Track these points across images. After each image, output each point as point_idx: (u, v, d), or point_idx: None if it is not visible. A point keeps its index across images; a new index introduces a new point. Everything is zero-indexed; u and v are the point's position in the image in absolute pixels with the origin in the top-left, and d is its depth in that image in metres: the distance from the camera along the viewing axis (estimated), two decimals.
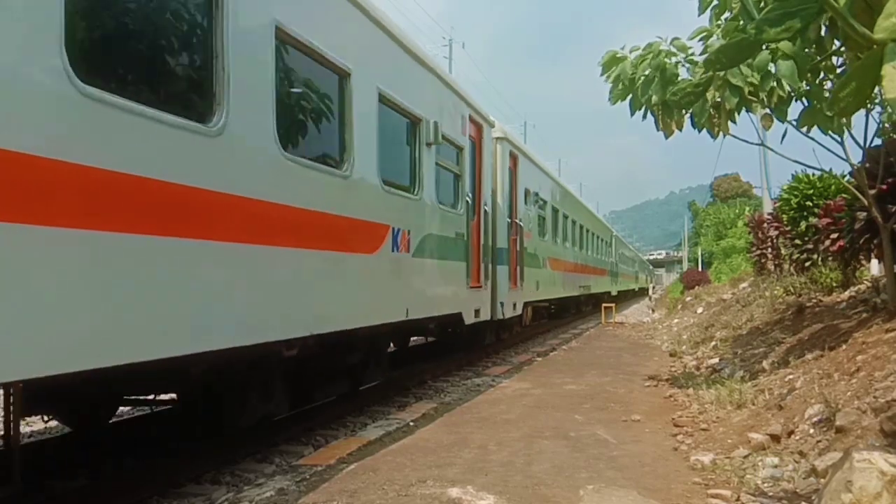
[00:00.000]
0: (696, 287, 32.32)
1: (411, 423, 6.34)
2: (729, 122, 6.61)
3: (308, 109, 5.66)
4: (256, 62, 4.62)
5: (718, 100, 6.04)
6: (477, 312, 9.79)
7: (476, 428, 5.92)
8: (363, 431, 6.22)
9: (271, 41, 4.75)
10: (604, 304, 23.24)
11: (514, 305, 11.97)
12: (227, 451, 5.60)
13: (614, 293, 31.08)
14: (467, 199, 9.34)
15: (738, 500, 3.74)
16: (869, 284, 8.52)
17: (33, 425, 6.81)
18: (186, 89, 4.19)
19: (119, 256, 3.40)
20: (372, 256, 6.43)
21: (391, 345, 9.24)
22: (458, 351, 11.01)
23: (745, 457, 4.39)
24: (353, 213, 6.02)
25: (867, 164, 6.97)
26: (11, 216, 2.84)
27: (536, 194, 14.30)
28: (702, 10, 5.84)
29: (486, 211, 10.31)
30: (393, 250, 6.85)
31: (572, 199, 20.66)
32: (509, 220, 11.81)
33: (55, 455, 5.43)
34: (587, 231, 22.92)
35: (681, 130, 6.89)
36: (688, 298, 27.09)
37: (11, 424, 4.27)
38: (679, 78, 6.40)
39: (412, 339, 11.56)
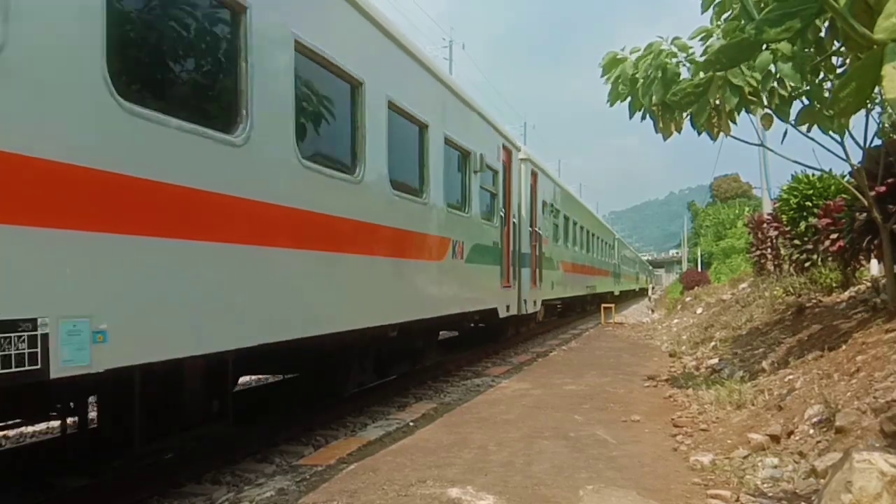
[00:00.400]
0: (696, 287, 32.35)
1: (411, 424, 6.34)
2: (729, 123, 6.61)
3: (402, 156, 7.23)
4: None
5: (718, 102, 6.05)
6: (507, 308, 11.44)
7: (476, 428, 5.92)
8: (363, 431, 6.22)
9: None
10: (603, 305, 23.24)
11: (535, 303, 13.65)
12: (227, 451, 5.61)
13: (617, 293, 32.65)
14: (501, 213, 11.17)
15: (737, 500, 3.74)
16: (869, 285, 8.52)
17: (35, 425, 6.80)
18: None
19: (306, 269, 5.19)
20: (440, 263, 8.25)
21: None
22: (482, 343, 12.58)
23: (745, 457, 4.39)
24: (430, 231, 7.93)
25: (867, 165, 6.97)
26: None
27: (552, 205, 16.18)
28: (704, 9, 5.85)
29: (514, 223, 12.06)
30: (452, 258, 8.67)
31: (580, 207, 22.47)
32: (530, 229, 13.51)
33: (55, 455, 5.42)
34: (593, 235, 24.56)
35: (679, 132, 6.90)
36: (687, 299, 27.10)
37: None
38: (680, 78, 6.40)
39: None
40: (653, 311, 30.95)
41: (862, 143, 6.89)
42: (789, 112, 6.30)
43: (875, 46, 2.10)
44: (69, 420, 4.88)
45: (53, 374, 3.03)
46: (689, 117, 6.64)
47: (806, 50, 5.13)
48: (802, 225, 12.45)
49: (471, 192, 9.56)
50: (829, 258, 10.55)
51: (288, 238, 4.90)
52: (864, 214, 7.44)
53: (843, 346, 5.77)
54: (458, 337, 12.10)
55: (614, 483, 4.17)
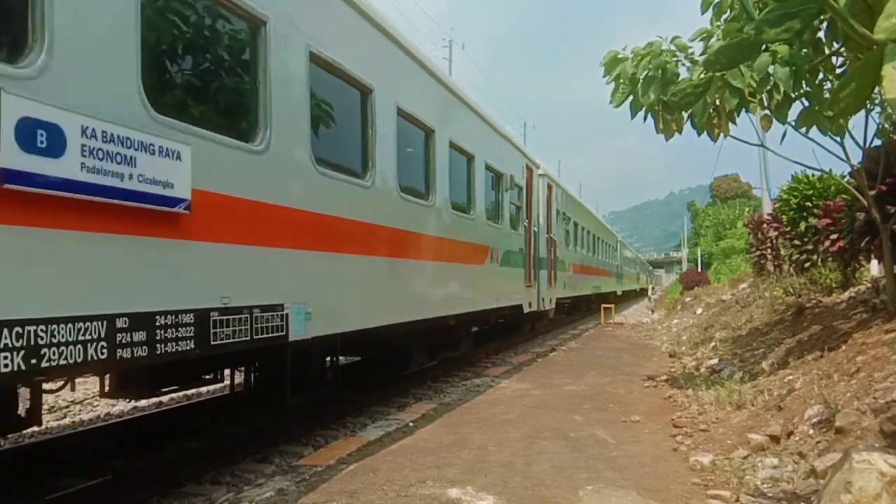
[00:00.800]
0: (696, 288, 32.35)
1: (411, 424, 6.34)
2: (729, 123, 6.61)
3: (457, 182, 9.07)
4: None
5: (718, 102, 6.04)
6: (529, 304, 13.26)
7: (476, 428, 5.92)
8: (363, 432, 6.21)
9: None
10: (603, 305, 23.25)
11: (550, 300, 15.44)
12: (227, 451, 5.61)
13: (619, 293, 34.64)
14: (524, 223, 13.02)
15: (737, 500, 3.74)
16: (869, 285, 8.52)
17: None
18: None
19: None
20: (483, 267, 10.21)
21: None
22: (502, 337, 14.08)
23: (745, 457, 4.39)
24: (477, 241, 9.92)
25: (867, 165, 6.97)
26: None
27: (564, 213, 18.08)
28: (704, 9, 5.85)
29: (534, 231, 13.84)
30: (491, 263, 10.59)
31: (587, 213, 24.66)
32: (547, 236, 15.25)
33: (55, 455, 5.43)
34: (598, 239, 26.60)
35: (680, 133, 6.89)
36: (687, 299, 27.11)
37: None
38: (680, 78, 6.40)
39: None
40: (653, 311, 30.95)
41: (862, 144, 6.89)
42: (787, 113, 6.30)
43: (875, 47, 2.10)
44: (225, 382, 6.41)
45: (290, 339, 4.91)
46: (689, 117, 6.64)
47: (804, 51, 5.13)
48: (802, 225, 12.45)
49: (503, 207, 11.50)
50: (829, 258, 10.55)
51: (408, 252, 7.35)
52: (864, 215, 7.44)
53: (843, 347, 5.77)
54: (480, 332, 13.09)
55: (614, 483, 4.16)
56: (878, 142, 7.19)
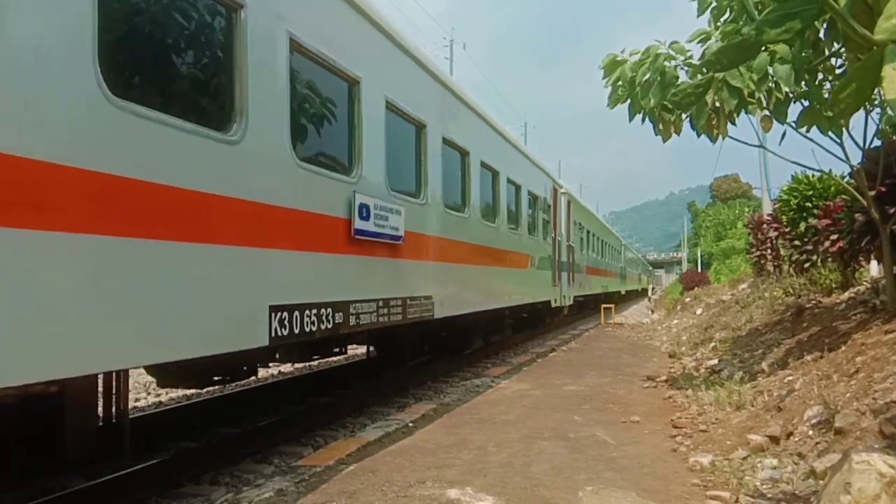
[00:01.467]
0: (696, 288, 32.35)
1: (410, 424, 6.34)
2: (728, 124, 6.61)
3: (510, 205, 12.06)
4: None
5: (718, 104, 6.04)
6: (555, 300, 16.12)
7: (475, 429, 5.92)
8: (362, 432, 6.21)
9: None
10: (603, 305, 23.27)
11: (569, 297, 18.36)
12: (226, 451, 5.60)
13: (623, 292, 38.09)
14: (551, 233, 15.92)
15: (736, 501, 3.74)
16: (868, 286, 8.52)
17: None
18: None
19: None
20: (526, 270, 13.21)
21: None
22: (529, 328, 16.37)
23: (744, 458, 4.39)
24: (523, 251, 12.88)
25: (866, 166, 6.96)
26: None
27: (580, 224, 21.06)
28: (701, 12, 5.84)
29: (558, 240, 16.66)
30: (531, 267, 13.59)
31: (598, 222, 28.41)
32: (567, 244, 18.17)
33: (55, 455, 5.42)
34: (606, 244, 29.88)
35: (679, 134, 6.89)
36: (687, 299, 27.10)
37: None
38: (679, 81, 6.39)
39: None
40: (652, 311, 30.94)
41: (861, 144, 6.89)
42: (787, 113, 6.29)
43: (875, 47, 2.10)
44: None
45: (436, 317, 7.71)
46: (688, 119, 6.63)
47: (804, 52, 5.13)
48: (802, 226, 12.45)
49: (538, 222, 14.52)
50: (829, 259, 10.55)
51: (486, 261, 10.18)
52: (864, 215, 7.44)
53: (843, 347, 5.77)
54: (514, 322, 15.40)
55: (614, 484, 4.16)
56: (877, 142, 7.19)
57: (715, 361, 8.81)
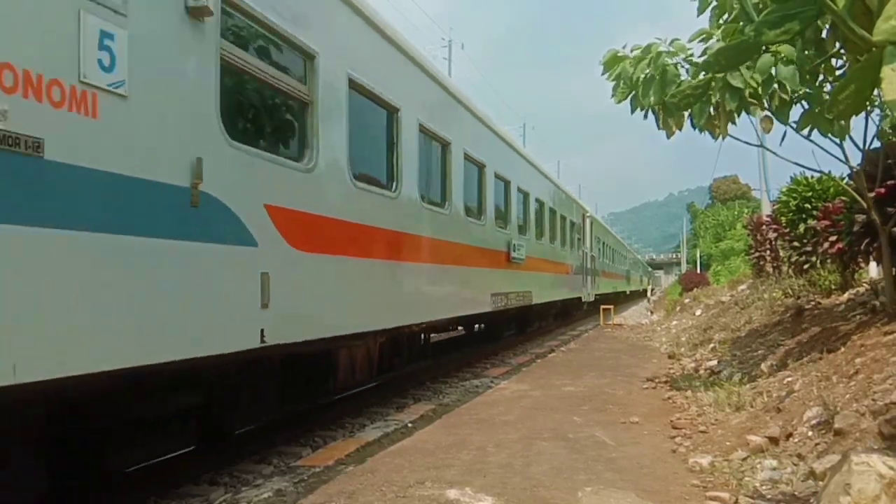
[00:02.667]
0: (695, 289, 32.33)
1: (410, 425, 6.33)
2: (728, 124, 6.61)
3: (553, 231, 17.04)
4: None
5: (718, 102, 6.04)
6: (583, 297, 21.45)
7: (475, 429, 5.92)
8: (361, 433, 6.21)
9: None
10: (602, 306, 23.27)
11: (592, 295, 23.29)
12: (225, 452, 5.60)
13: (628, 292, 44.33)
14: (581, 248, 21.32)
15: (736, 502, 3.74)
16: (867, 287, 8.52)
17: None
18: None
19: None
20: (568, 275, 18.70)
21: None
22: (560, 318, 21.47)
23: (744, 459, 4.39)
24: (566, 261, 18.48)
25: (866, 167, 6.97)
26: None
27: (598, 238, 26.75)
28: (701, 11, 5.83)
29: (584, 252, 21.89)
30: (570, 273, 18.97)
31: (611, 235, 35.50)
32: (591, 255, 23.28)
33: (54, 455, 5.41)
34: (616, 252, 36.21)
35: (681, 130, 6.88)
36: (686, 300, 27.10)
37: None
38: (679, 79, 6.39)
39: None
40: (652, 312, 30.95)
41: (861, 146, 6.89)
42: (789, 114, 6.29)
43: (874, 49, 2.10)
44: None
45: (533, 304, 13.94)
46: (689, 116, 6.63)
47: (805, 52, 5.13)
48: (801, 227, 12.44)
49: (574, 240, 19.97)
50: (828, 260, 10.55)
51: (552, 270, 16.57)
52: (863, 217, 7.44)
53: (842, 349, 5.76)
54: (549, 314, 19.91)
55: (613, 485, 4.16)
56: (877, 144, 7.19)
57: (714, 362, 8.81)
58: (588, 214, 23.55)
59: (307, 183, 5.30)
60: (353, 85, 6.10)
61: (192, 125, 4.02)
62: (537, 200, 14.83)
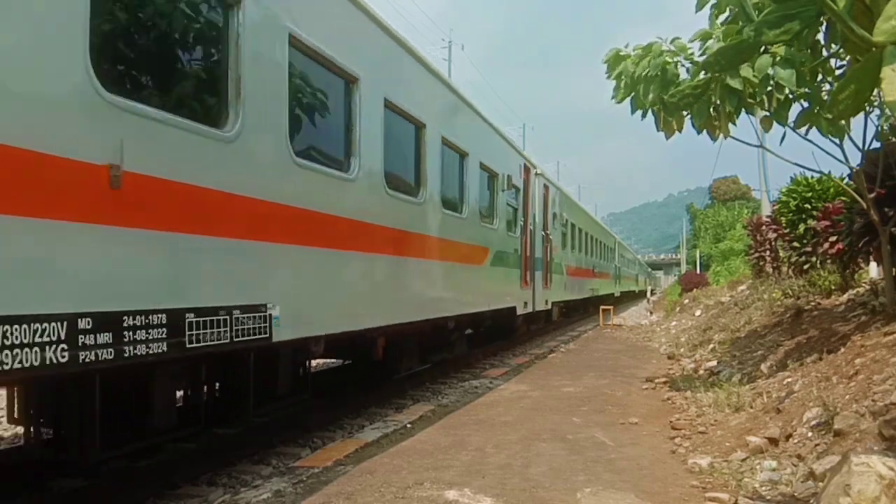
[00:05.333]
0: (695, 290, 32.30)
1: (409, 425, 6.32)
2: (728, 125, 6.60)
3: (579, 243, 22.17)
4: None
5: (717, 102, 6.03)
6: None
7: (474, 430, 5.91)
8: (360, 433, 6.20)
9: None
10: (602, 307, 23.29)
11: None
12: (223, 452, 5.59)
13: (637, 290, 48.04)
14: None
15: (735, 503, 3.73)
16: (867, 287, 8.51)
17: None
18: None
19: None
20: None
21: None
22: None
23: (743, 460, 4.38)
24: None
25: (866, 167, 6.96)
26: None
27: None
28: (698, 8, 5.82)
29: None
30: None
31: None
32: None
33: (54, 455, 5.40)
34: (624, 258, 38.94)
35: (681, 131, 6.88)
36: (686, 301, 27.08)
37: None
38: (679, 78, 6.39)
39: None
40: (651, 312, 30.94)
41: (861, 146, 6.89)
42: (787, 115, 6.29)
43: (874, 49, 2.09)
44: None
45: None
46: (689, 116, 6.62)
47: (804, 52, 5.12)
48: (801, 227, 12.44)
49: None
50: (828, 261, 10.54)
51: (589, 275, 23.38)
52: (863, 217, 7.43)
53: (842, 349, 5.76)
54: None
55: (612, 486, 4.15)
56: (877, 144, 7.18)
57: (714, 363, 8.80)
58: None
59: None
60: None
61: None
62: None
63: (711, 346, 10.81)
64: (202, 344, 4.03)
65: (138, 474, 4.92)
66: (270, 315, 4.70)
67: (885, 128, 7.60)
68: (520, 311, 12.87)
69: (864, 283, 9.36)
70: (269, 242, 4.82)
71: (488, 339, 13.00)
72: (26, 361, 2.92)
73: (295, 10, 5.16)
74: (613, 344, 14.95)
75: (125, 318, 3.47)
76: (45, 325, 3.02)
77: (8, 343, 2.85)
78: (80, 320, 3.20)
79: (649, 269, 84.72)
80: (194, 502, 4.66)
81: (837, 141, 6.74)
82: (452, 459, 4.87)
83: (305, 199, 5.26)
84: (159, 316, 3.71)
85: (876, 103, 6.63)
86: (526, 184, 13.81)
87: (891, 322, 5.84)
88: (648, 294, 46.62)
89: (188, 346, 3.92)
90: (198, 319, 3.99)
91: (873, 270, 10.10)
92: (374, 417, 7.21)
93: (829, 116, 5.67)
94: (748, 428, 4.98)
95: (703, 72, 5.98)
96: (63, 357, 3.09)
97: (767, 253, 16.13)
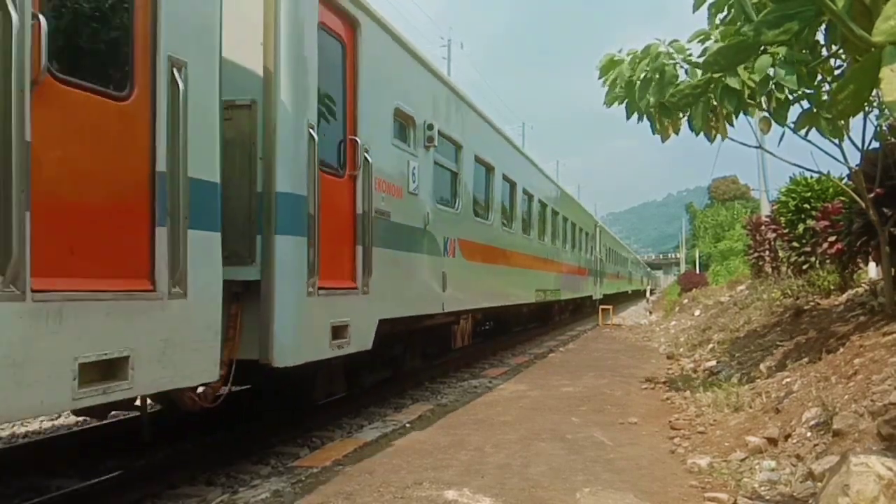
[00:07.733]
0: (694, 289, 32.34)
1: (408, 425, 6.31)
2: (726, 126, 6.60)
3: (615, 260, 35.45)
4: None
5: (716, 103, 6.03)
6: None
7: (473, 430, 5.91)
8: (359, 433, 6.19)
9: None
10: (601, 307, 23.33)
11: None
12: (222, 451, 5.59)
13: (629, 291, 48.64)
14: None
15: (734, 503, 3.73)
16: (866, 287, 8.51)
17: (28, 425, 6.78)
18: None
19: None
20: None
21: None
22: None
23: (742, 460, 4.38)
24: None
25: (865, 168, 6.96)
26: None
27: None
28: (696, 8, 5.82)
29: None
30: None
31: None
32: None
33: (54, 455, 5.41)
34: (619, 255, 40.28)
35: (677, 134, 6.89)
36: (685, 301, 27.12)
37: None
38: (678, 80, 6.39)
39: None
40: (651, 312, 30.97)
41: (860, 146, 6.89)
42: (786, 116, 6.29)
43: (873, 49, 2.09)
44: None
45: (594, 298, 25.96)
46: (686, 118, 6.62)
47: (803, 52, 5.12)
48: (800, 227, 12.45)
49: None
50: (827, 261, 10.55)
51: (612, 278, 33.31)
52: (862, 217, 7.44)
53: (841, 349, 5.76)
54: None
55: (611, 485, 4.15)
56: (876, 144, 7.18)
57: (713, 363, 8.81)
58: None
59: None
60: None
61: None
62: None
63: (710, 345, 10.81)
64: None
65: (136, 474, 4.92)
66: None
67: (884, 128, 7.60)
68: (594, 298, 25.71)
69: (863, 283, 9.36)
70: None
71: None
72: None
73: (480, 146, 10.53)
74: (613, 344, 14.96)
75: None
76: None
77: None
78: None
79: (649, 270, 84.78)
80: (192, 502, 4.66)
81: (836, 141, 6.74)
82: (451, 459, 4.87)
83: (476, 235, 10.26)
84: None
85: (875, 103, 6.63)
86: (594, 231, 26.33)
87: (890, 322, 5.84)
88: (648, 294, 46.69)
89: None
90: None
91: (872, 270, 10.10)
92: (373, 417, 7.21)
93: (829, 116, 5.66)
94: (747, 428, 4.99)
95: (699, 72, 5.98)
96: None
97: (767, 253, 16.14)
